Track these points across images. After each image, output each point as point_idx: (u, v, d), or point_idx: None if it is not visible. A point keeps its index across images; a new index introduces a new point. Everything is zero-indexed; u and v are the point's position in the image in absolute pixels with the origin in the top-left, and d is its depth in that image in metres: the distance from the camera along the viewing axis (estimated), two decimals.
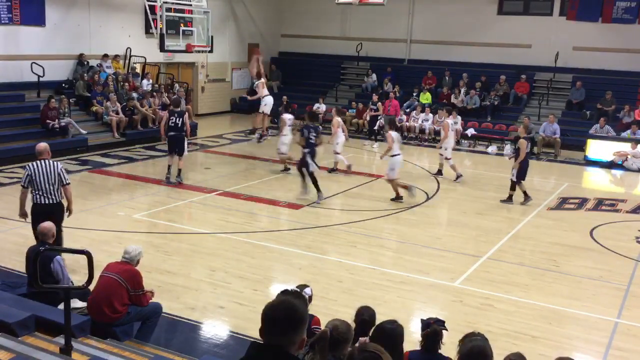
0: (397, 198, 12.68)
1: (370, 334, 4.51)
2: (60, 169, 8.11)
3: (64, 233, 8.38)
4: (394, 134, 12.60)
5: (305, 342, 2.68)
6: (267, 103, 16.61)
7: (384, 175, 13.07)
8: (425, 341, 4.47)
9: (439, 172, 15.32)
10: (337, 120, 14.68)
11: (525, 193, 12.87)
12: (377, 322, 4.63)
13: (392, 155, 12.51)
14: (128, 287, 6.11)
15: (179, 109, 13.76)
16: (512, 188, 12.90)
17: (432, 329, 4.41)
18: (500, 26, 22.67)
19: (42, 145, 8.25)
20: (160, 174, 14.19)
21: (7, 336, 5.41)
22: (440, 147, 15.13)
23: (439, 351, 4.50)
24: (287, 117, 14.90)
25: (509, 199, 12.93)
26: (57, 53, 17.85)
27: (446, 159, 14.99)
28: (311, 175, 12.41)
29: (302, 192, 12.59)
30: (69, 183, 8.22)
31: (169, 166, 13.69)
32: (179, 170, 13.64)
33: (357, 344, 3.67)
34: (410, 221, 11.63)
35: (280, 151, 14.68)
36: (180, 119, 13.42)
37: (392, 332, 4.32)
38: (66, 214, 8.27)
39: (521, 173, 12.73)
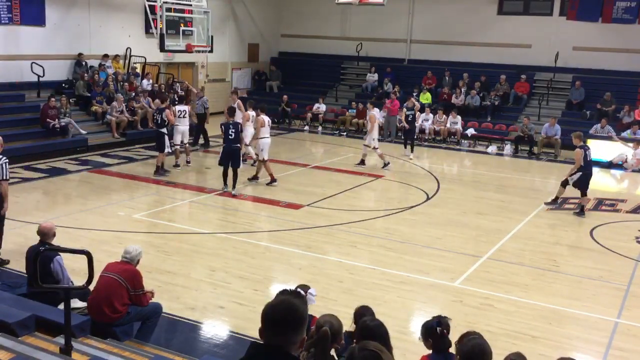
0: (272, 181, 13.50)
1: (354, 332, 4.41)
2: (1, 164, 8.09)
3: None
4: (265, 118, 13.65)
5: (305, 342, 2.67)
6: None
7: (257, 157, 13.79)
8: (435, 342, 4.33)
9: (362, 162, 16.03)
10: (248, 113, 14.74)
11: (556, 198, 12.53)
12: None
13: (261, 138, 13.50)
14: (128, 287, 6.11)
15: (161, 106, 14.41)
16: (562, 188, 12.45)
17: (441, 329, 4.33)
18: (500, 26, 22.66)
19: None
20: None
21: (7, 336, 5.41)
22: (366, 139, 15.94)
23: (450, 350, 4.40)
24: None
25: (553, 200, 12.55)
26: (57, 53, 17.86)
27: (374, 148, 15.77)
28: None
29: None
30: (6, 179, 8.18)
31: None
32: (161, 164, 14.25)
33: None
34: (410, 221, 11.62)
35: None
36: (160, 116, 14.01)
37: (378, 330, 4.17)
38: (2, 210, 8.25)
39: (581, 184, 12.30)
